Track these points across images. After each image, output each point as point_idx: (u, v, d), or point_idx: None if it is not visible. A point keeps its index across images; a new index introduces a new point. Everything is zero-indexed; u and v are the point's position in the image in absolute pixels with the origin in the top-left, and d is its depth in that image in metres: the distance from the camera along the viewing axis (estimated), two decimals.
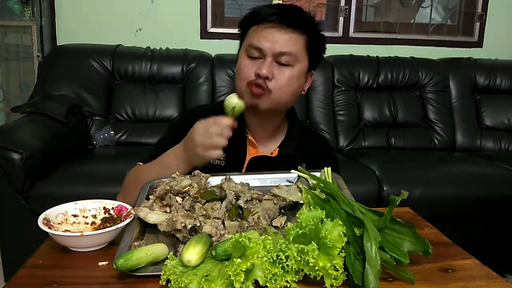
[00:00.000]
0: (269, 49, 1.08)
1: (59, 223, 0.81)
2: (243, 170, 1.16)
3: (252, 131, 1.19)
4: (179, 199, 0.86)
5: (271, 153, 1.19)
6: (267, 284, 0.64)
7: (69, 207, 0.85)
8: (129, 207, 0.83)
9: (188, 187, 0.88)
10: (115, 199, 0.88)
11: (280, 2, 2.77)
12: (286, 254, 0.64)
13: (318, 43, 1.16)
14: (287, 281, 0.64)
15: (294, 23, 1.10)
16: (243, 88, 1.11)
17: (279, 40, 1.08)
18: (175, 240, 0.78)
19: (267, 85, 1.08)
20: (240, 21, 1.18)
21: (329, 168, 0.95)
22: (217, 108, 1.10)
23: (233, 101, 1.04)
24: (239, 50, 1.18)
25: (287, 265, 0.64)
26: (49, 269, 0.72)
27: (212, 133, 0.98)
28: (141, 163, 1.19)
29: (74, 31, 2.70)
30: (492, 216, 2.17)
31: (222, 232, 0.74)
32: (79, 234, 0.74)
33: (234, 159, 1.14)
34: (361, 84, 2.68)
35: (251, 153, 1.18)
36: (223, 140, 0.99)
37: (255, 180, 1.01)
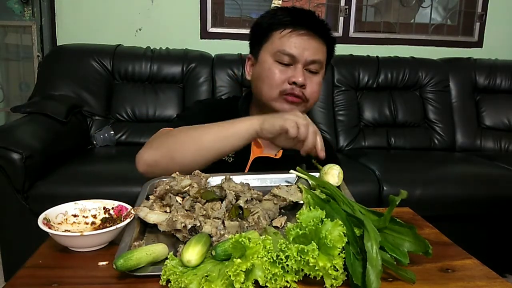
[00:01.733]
0: (302, 56, 1.09)
1: (59, 223, 0.81)
2: (246, 170, 1.16)
3: None
4: (179, 199, 0.86)
5: (275, 155, 1.18)
6: (267, 284, 0.64)
7: (69, 207, 0.85)
8: (129, 207, 0.83)
9: (188, 187, 0.88)
10: (115, 199, 0.88)
11: (280, 2, 2.77)
12: (286, 254, 0.64)
13: (333, 51, 1.20)
14: (287, 281, 0.64)
15: (321, 31, 1.12)
16: (274, 95, 1.11)
17: (311, 48, 1.10)
18: (175, 240, 0.78)
19: (304, 94, 1.10)
20: (259, 22, 1.17)
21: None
22: (220, 105, 1.10)
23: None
24: (255, 52, 1.17)
25: (287, 265, 0.64)
26: (49, 269, 0.72)
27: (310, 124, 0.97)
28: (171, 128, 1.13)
29: (74, 31, 2.70)
30: (492, 216, 2.17)
31: (222, 232, 0.74)
32: (79, 234, 0.74)
33: (239, 157, 1.13)
34: (361, 84, 2.68)
35: (255, 153, 1.17)
36: (313, 137, 0.96)
37: (255, 180, 1.01)
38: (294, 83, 1.09)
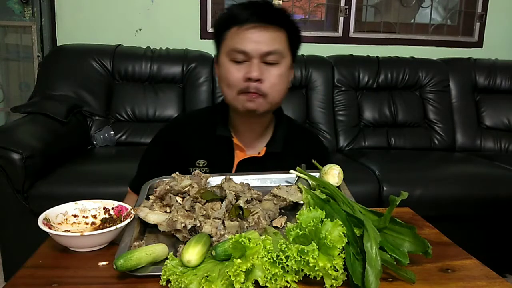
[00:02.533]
0: (255, 50, 1.05)
1: (59, 223, 0.81)
2: None
3: (240, 135, 1.17)
4: (179, 199, 0.86)
5: (259, 153, 1.17)
6: (267, 284, 0.64)
7: (69, 207, 0.85)
8: (129, 207, 0.83)
9: (188, 187, 0.88)
10: (115, 199, 0.88)
11: (280, 2, 2.77)
12: (286, 254, 0.64)
13: (297, 36, 1.15)
14: (287, 281, 0.64)
15: (273, 20, 1.07)
16: (233, 95, 1.09)
17: (263, 40, 1.05)
18: (175, 240, 0.78)
19: (261, 89, 1.06)
20: (215, 24, 1.14)
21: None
22: (196, 117, 1.07)
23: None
24: (216, 55, 1.15)
25: (287, 265, 0.64)
26: (49, 269, 0.72)
27: None
28: (129, 190, 1.19)
29: (74, 31, 2.70)
30: (492, 216, 2.17)
31: (222, 232, 0.74)
32: (79, 234, 0.74)
33: (221, 164, 1.11)
34: (361, 84, 2.68)
35: (239, 156, 1.17)
36: None
37: (255, 180, 1.01)
38: (249, 79, 1.05)
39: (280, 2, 2.77)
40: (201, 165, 1.11)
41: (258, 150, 1.18)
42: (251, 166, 1.13)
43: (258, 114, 1.11)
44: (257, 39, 1.05)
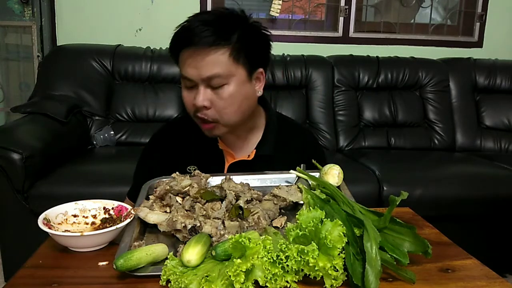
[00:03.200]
0: (196, 76, 1.00)
1: (59, 223, 0.81)
2: None
3: (225, 139, 1.16)
4: (179, 199, 0.86)
5: (248, 156, 1.15)
6: (267, 284, 0.64)
7: (69, 207, 0.85)
8: (129, 207, 0.83)
9: (188, 187, 0.88)
10: (115, 199, 0.88)
11: (280, 2, 2.77)
12: (286, 254, 0.64)
13: (251, 42, 1.04)
14: (287, 281, 0.64)
15: (211, 40, 0.98)
16: (195, 119, 1.08)
17: (201, 65, 0.99)
18: (175, 240, 0.78)
19: (209, 116, 1.03)
20: (169, 49, 1.10)
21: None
22: (186, 123, 1.06)
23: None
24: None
25: (287, 265, 0.64)
26: (49, 269, 0.72)
27: None
28: (127, 197, 1.19)
29: (74, 31, 2.70)
30: (492, 216, 2.17)
31: (222, 232, 0.74)
32: (79, 234, 0.74)
33: (212, 169, 1.06)
34: (361, 84, 2.68)
35: (229, 160, 1.15)
36: None
37: (255, 180, 1.01)
38: (195, 105, 1.03)
39: (280, 2, 2.77)
40: (192, 171, 1.11)
41: (248, 152, 1.16)
42: (240, 169, 1.10)
43: (225, 133, 1.09)
44: (197, 65, 1.00)
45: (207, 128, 1.06)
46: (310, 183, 0.92)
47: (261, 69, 1.08)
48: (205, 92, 1.01)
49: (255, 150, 1.15)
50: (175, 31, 1.07)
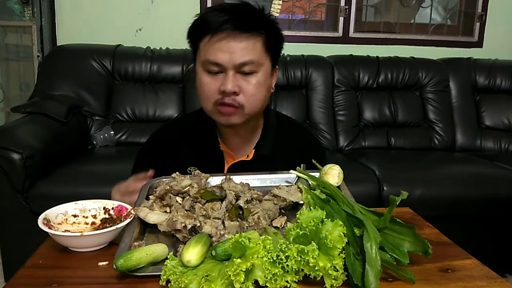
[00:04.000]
0: (228, 62, 0.99)
1: (59, 223, 0.81)
2: None
3: (226, 140, 1.15)
4: (179, 199, 0.86)
5: (247, 156, 1.14)
6: (267, 284, 0.64)
7: (69, 207, 0.85)
8: (129, 207, 0.83)
9: (188, 187, 0.88)
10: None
11: (280, 2, 2.77)
12: (286, 254, 0.64)
13: (276, 39, 1.07)
14: (287, 281, 0.64)
15: (248, 27, 1.00)
16: (210, 108, 1.05)
17: (237, 49, 0.99)
18: (175, 240, 0.78)
19: (237, 101, 1.02)
20: (188, 32, 1.08)
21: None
22: (184, 123, 1.06)
23: None
24: (194, 64, 1.11)
25: (287, 265, 0.64)
26: (49, 269, 0.72)
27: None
28: None
29: (74, 31, 2.70)
30: (492, 216, 2.17)
31: (222, 232, 0.74)
32: (79, 234, 0.74)
33: (212, 170, 1.05)
34: (361, 84, 2.68)
35: (228, 161, 1.15)
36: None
37: (255, 180, 1.01)
38: (224, 92, 1.00)
39: (280, 2, 2.77)
40: (192, 172, 1.11)
41: (247, 152, 1.15)
42: (240, 170, 1.10)
43: (237, 126, 1.08)
44: (231, 49, 0.99)
45: (228, 112, 1.03)
46: (310, 183, 0.92)
47: (276, 66, 1.12)
48: (234, 78, 1.01)
49: (254, 150, 1.15)
50: (200, 14, 1.06)
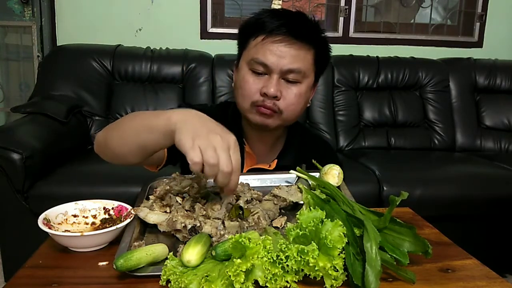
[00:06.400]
0: (276, 65, 0.99)
1: (59, 223, 0.81)
2: None
3: (250, 143, 1.14)
4: (179, 199, 0.86)
5: (269, 165, 1.13)
6: (267, 284, 0.64)
7: (69, 207, 0.85)
8: (129, 207, 0.83)
9: (188, 187, 0.88)
10: (115, 199, 0.88)
11: (280, 2, 2.77)
12: (286, 254, 0.64)
13: (325, 55, 1.08)
14: (287, 281, 0.64)
15: (303, 36, 1.00)
16: (247, 106, 1.04)
17: (287, 55, 0.99)
18: (175, 240, 0.78)
19: (277, 106, 1.02)
20: (241, 28, 1.07)
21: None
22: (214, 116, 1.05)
23: None
24: (238, 58, 1.09)
25: (287, 265, 0.64)
26: (49, 269, 0.72)
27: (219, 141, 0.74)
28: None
29: (74, 31, 2.70)
30: (492, 216, 2.17)
31: (222, 232, 0.74)
32: (79, 234, 0.74)
33: None
34: (361, 84, 2.68)
35: (248, 164, 1.14)
36: (223, 177, 0.73)
37: (255, 180, 1.01)
38: (265, 94, 1.00)
39: (280, 2, 2.77)
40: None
41: (269, 160, 1.15)
42: None
43: (270, 128, 1.08)
44: (282, 54, 0.99)
45: (266, 112, 1.02)
46: (310, 183, 0.92)
47: (317, 83, 1.12)
48: (278, 82, 1.01)
49: (276, 160, 1.14)
50: (256, 15, 1.05)
